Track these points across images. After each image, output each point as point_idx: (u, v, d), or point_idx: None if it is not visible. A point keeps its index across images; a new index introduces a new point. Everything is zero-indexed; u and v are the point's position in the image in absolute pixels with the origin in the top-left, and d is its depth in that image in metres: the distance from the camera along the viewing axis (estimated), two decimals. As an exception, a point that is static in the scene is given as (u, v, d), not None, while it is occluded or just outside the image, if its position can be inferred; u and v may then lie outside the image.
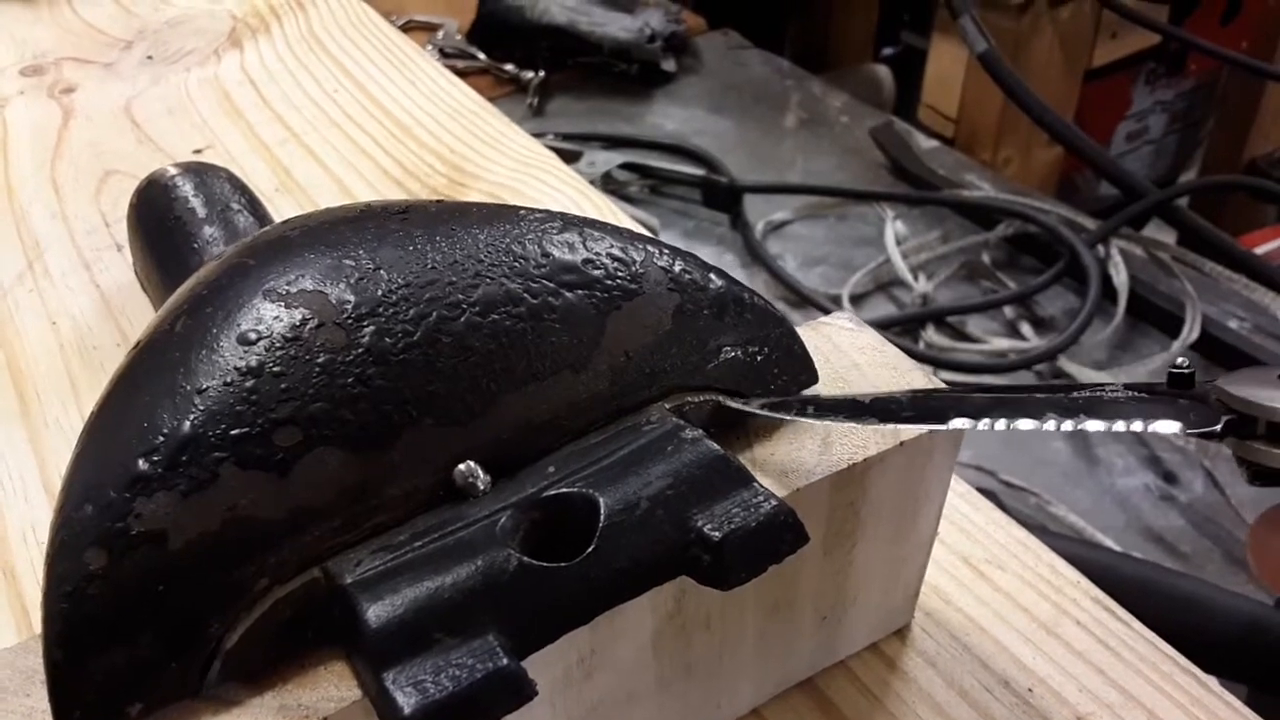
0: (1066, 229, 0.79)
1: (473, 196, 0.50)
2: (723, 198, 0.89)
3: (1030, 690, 0.28)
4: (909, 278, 0.79)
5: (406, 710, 0.17)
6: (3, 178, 0.53)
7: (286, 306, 0.21)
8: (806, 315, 0.80)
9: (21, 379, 0.40)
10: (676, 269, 0.24)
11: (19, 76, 0.62)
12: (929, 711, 0.27)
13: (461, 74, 0.95)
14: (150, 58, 0.63)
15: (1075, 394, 0.21)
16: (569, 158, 0.92)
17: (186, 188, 0.40)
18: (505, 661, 0.18)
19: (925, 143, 0.96)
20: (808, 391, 0.25)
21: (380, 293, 0.21)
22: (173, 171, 0.41)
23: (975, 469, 0.61)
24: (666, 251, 0.24)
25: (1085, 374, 0.68)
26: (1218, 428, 0.19)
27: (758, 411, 0.23)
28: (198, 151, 0.53)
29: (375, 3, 0.71)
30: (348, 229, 0.23)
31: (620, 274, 0.23)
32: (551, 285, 0.23)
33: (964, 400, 0.22)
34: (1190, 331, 0.72)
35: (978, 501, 0.33)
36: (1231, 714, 0.27)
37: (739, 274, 0.85)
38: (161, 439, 0.19)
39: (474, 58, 1.10)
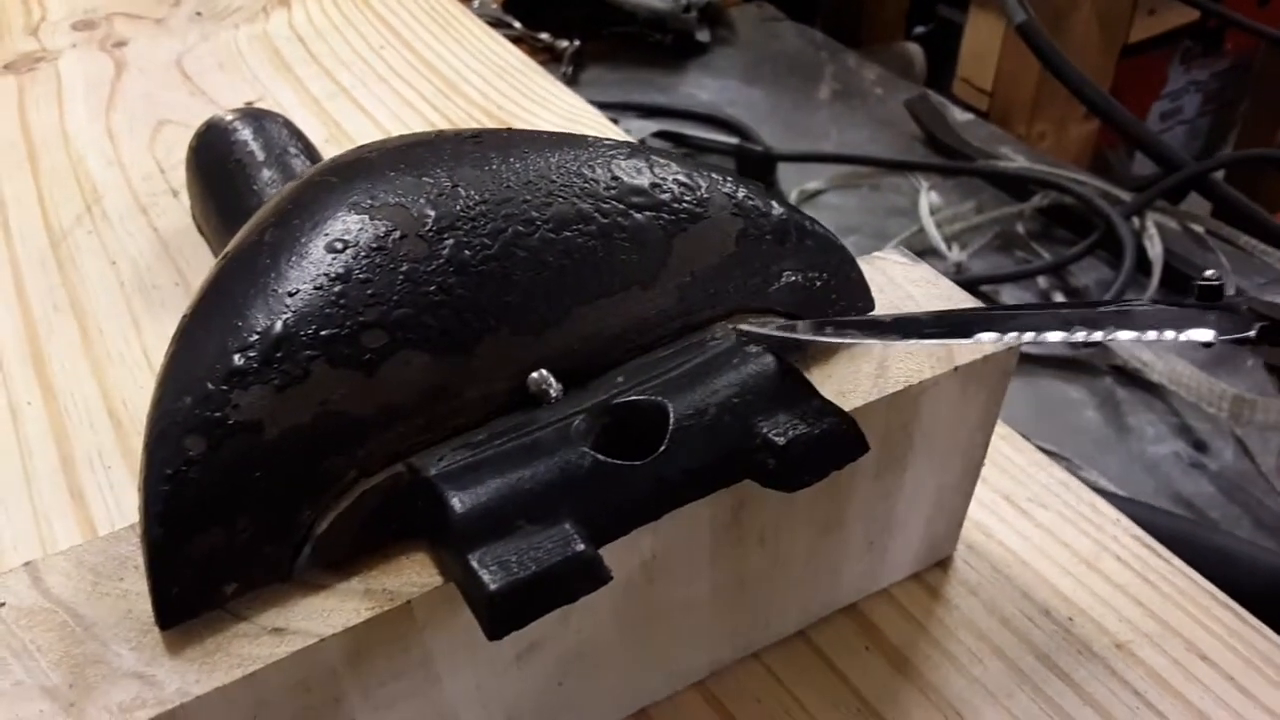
0: (1102, 200, 0.79)
1: (519, 150, 0.51)
2: (757, 167, 0.90)
3: (1071, 619, 0.29)
4: (943, 247, 0.79)
5: (492, 586, 0.18)
6: (58, 126, 0.54)
7: (371, 218, 0.22)
8: (838, 283, 0.80)
9: (84, 315, 0.41)
10: (740, 195, 0.25)
11: (71, 30, 0.64)
12: (971, 637, 0.28)
13: (497, 41, 0.95)
14: (199, 14, 0.64)
15: (1102, 308, 0.21)
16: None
17: (245, 132, 0.41)
18: (583, 547, 0.19)
19: (960, 115, 0.96)
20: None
21: (459, 208, 0.22)
22: (231, 116, 0.42)
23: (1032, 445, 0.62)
24: (730, 179, 0.25)
25: (1118, 344, 0.68)
26: (1251, 333, 0.19)
27: (773, 334, 0.23)
28: (249, 104, 0.54)
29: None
30: (425, 150, 0.24)
31: (686, 198, 0.24)
32: (621, 206, 0.23)
33: (988, 315, 0.22)
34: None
35: (1019, 444, 0.34)
36: (1269, 645, 0.28)
37: (772, 242, 0.86)
38: (256, 337, 0.20)
39: (509, 26, 1.11)
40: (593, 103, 1.03)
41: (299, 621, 0.19)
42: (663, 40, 1.09)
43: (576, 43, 1.07)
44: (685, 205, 0.24)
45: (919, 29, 1.52)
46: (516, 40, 1.10)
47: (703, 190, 0.24)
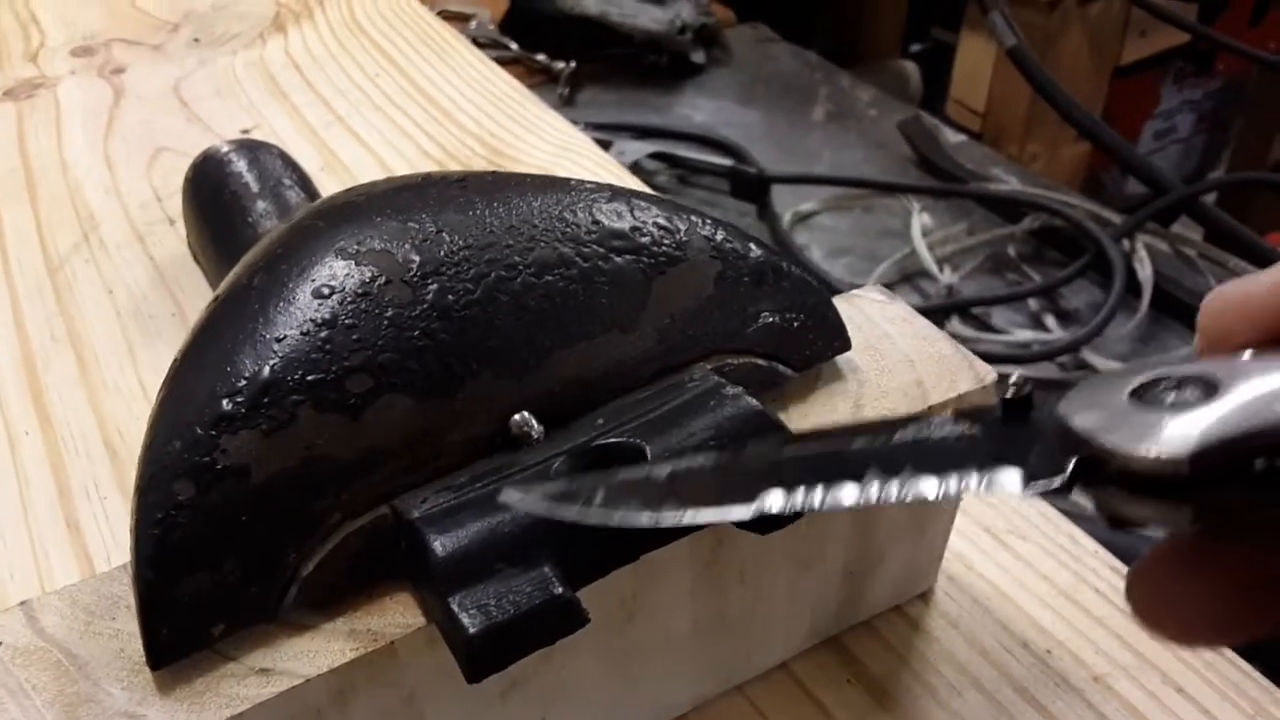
0: (1092, 223, 0.80)
1: (511, 178, 0.51)
2: (751, 188, 0.90)
3: (1049, 651, 0.29)
4: (934, 269, 0.80)
5: (472, 630, 0.18)
6: (56, 154, 0.54)
7: (357, 264, 0.22)
8: (831, 305, 0.81)
9: (80, 344, 0.42)
10: (719, 238, 0.25)
11: (70, 57, 0.64)
12: (951, 669, 0.29)
13: (494, 63, 0.96)
14: (197, 40, 0.65)
15: (899, 435, 0.18)
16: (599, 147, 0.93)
17: (240, 164, 0.42)
18: (561, 590, 0.19)
19: (953, 137, 0.97)
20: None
21: (443, 253, 0.23)
22: (226, 148, 0.43)
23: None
24: (709, 221, 0.26)
25: (1108, 366, 0.69)
26: (1061, 479, 0.15)
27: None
28: (245, 131, 0.55)
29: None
30: (411, 195, 0.25)
31: (666, 241, 0.25)
32: (601, 250, 0.24)
33: (777, 467, 0.19)
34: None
35: (1000, 475, 0.34)
36: (1242, 677, 0.28)
37: (765, 263, 0.86)
38: (244, 382, 0.21)
39: (506, 47, 1.12)
40: (589, 124, 1.04)
41: (285, 662, 0.20)
42: (658, 61, 1.09)
43: (573, 64, 1.08)
44: (664, 248, 0.25)
45: (915, 47, 1.53)
46: (513, 62, 1.11)
47: (682, 233, 0.25)
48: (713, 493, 0.19)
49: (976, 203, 0.87)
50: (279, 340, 0.21)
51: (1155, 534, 0.15)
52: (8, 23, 0.69)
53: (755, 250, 0.26)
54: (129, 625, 0.21)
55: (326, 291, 0.22)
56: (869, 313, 0.28)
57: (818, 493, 0.17)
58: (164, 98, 0.58)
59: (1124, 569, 0.31)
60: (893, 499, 0.16)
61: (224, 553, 0.20)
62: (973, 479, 0.16)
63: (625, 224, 0.25)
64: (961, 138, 0.98)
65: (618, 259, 0.24)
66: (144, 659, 0.20)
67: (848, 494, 0.17)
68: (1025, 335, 0.73)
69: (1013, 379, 0.18)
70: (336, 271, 0.22)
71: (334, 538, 0.21)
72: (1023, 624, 0.30)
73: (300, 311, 0.22)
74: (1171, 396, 0.15)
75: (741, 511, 0.17)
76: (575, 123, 0.98)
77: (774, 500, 0.17)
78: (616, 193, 0.26)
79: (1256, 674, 0.28)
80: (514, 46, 1.11)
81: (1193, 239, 0.83)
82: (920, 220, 0.84)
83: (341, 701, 0.20)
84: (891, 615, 0.30)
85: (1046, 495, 0.15)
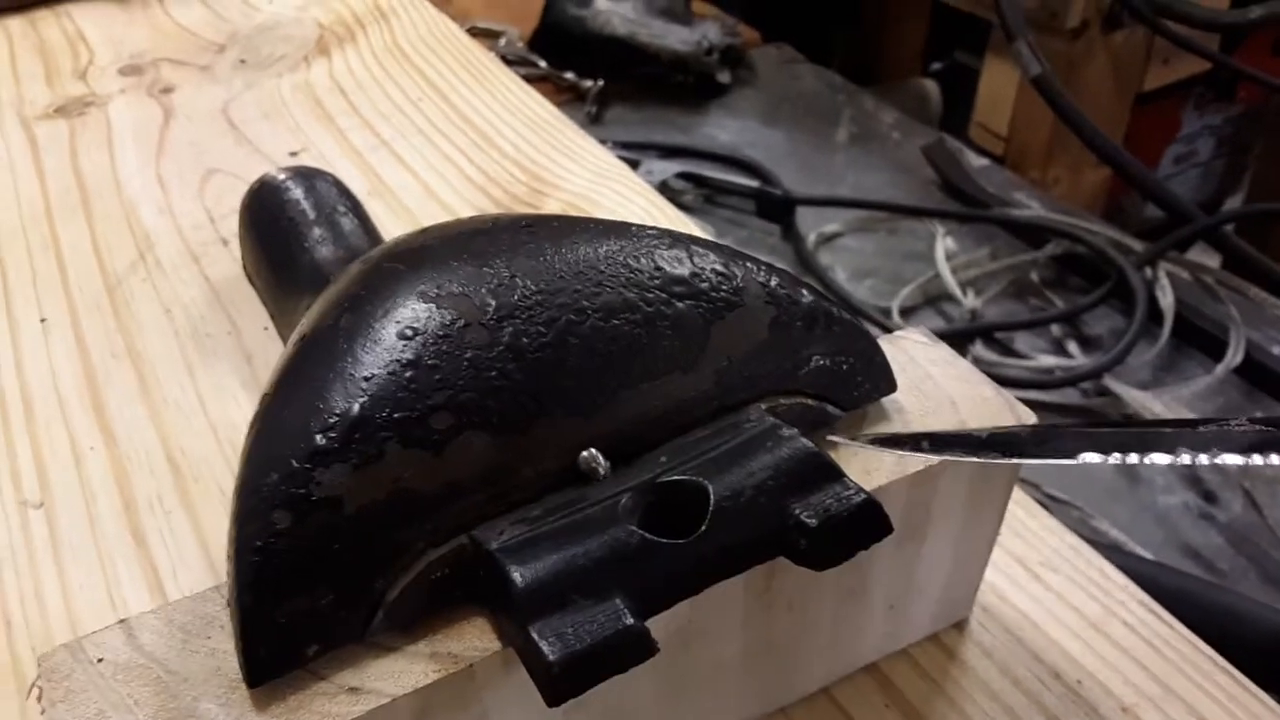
0: (1115, 250, 0.81)
1: (552, 204, 0.53)
2: (776, 209, 0.92)
3: (1079, 682, 0.30)
4: (958, 293, 0.81)
5: (552, 657, 0.20)
6: (110, 172, 0.56)
7: (438, 307, 0.24)
8: (855, 326, 0.82)
9: (140, 362, 0.43)
10: (773, 284, 0.27)
11: (119, 76, 0.66)
12: (984, 698, 0.30)
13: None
14: (243, 62, 0.67)
15: (1201, 428, 0.21)
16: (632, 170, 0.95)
17: (297, 191, 0.43)
18: (632, 621, 0.21)
19: (976, 161, 0.98)
20: (918, 428, 0.26)
21: (517, 298, 0.24)
22: (283, 175, 0.44)
23: (1020, 482, 0.63)
24: (763, 267, 0.27)
25: (1130, 394, 0.70)
26: None
27: (867, 447, 0.25)
28: (294, 154, 0.56)
29: (440, 9, 0.74)
30: (485, 240, 0.26)
31: (724, 287, 0.26)
32: (664, 296, 0.25)
33: (1091, 435, 0.22)
34: (1234, 355, 0.73)
35: (1033, 509, 0.36)
36: (1266, 711, 0.29)
37: (790, 284, 0.88)
38: (336, 418, 0.22)
39: (535, 65, 1.14)
40: (616, 142, 1.05)
41: (373, 682, 0.21)
42: (685, 81, 1.11)
43: (601, 83, 1.10)
44: (722, 294, 0.26)
45: (935, 65, 1.55)
46: (542, 79, 1.13)
47: (738, 279, 0.26)
48: (1031, 446, 0.22)
49: (1000, 227, 0.89)
50: (367, 379, 0.23)
51: None
52: (56, 39, 0.71)
53: (807, 296, 0.27)
54: (224, 644, 0.22)
55: (410, 333, 0.23)
56: (913, 354, 0.29)
57: (1133, 456, 0.20)
58: (213, 119, 0.60)
59: (1150, 603, 0.32)
60: (1203, 463, 0.19)
61: (318, 578, 0.21)
62: (1275, 457, 0.19)
63: (685, 270, 0.26)
64: (984, 161, 0.99)
65: (679, 304, 0.25)
66: (240, 676, 0.22)
67: (1159, 459, 0.20)
68: (1049, 361, 0.75)
69: None
70: (419, 314, 0.24)
71: (417, 565, 0.22)
72: (1054, 654, 0.31)
73: (387, 352, 0.23)
74: None
75: (1063, 461, 0.22)
76: (604, 141, 1.00)
77: (1090, 458, 0.21)
78: (676, 239, 0.27)
79: (1277, 706, 0.30)
80: (543, 64, 1.13)
81: (1212, 267, 0.84)
82: (944, 244, 0.86)
83: (422, 718, 0.22)
84: (928, 644, 0.31)
85: None
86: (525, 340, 0.24)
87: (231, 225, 0.49)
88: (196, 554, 0.35)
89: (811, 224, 0.91)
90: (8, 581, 0.35)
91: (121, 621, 0.23)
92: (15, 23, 0.73)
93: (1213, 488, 0.64)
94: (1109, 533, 0.60)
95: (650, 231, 0.27)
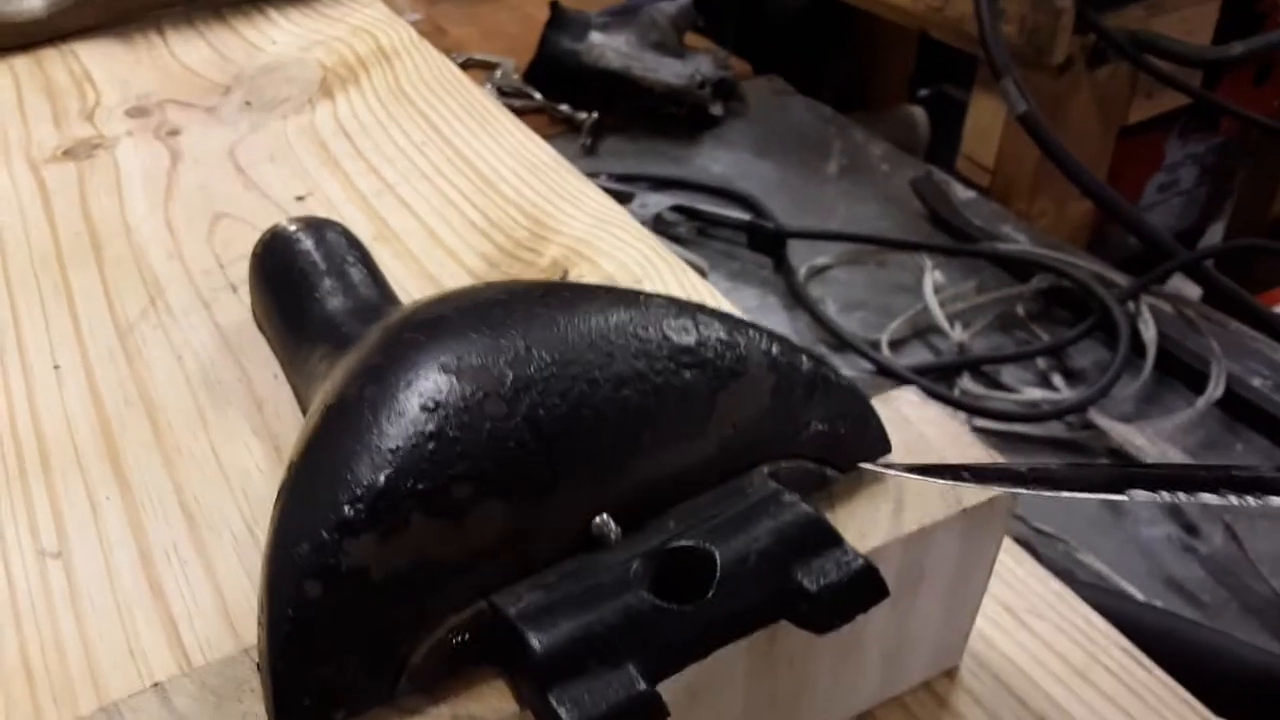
0: (1098, 285, 0.83)
1: (553, 249, 0.54)
2: (768, 242, 0.94)
3: (1065, 727, 0.32)
4: (946, 326, 0.83)
5: (570, 723, 0.21)
6: (119, 217, 0.57)
7: (458, 379, 0.25)
8: (846, 359, 0.84)
9: (154, 409, 0.44)
10: (774, 352, 0.28)
11: (125, 117, 0.68)
12: (975, 743, 0.31)
13: (518, 113, 1.00)
14: (249, 104, 0.68)
15: (1237, 474, 0.21)
16: (621, 199, 0.96)
17: (308, 242, 0.45)
18: (645, 687, 0.22)
19: (963, 193, 1.00)
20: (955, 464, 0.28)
21: (533, 370, 0.26)
22: (294, 227, 0.46)
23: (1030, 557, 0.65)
24: (765, 335, 0.29)
25: (1114, 427, 0.71)
26: None
27: (910, 476, 0.27)
28: (300, 199, 0.58)
29: (436, 42, 0.76)
30: (500, 311, 0.27)
31: (728, 356, 0.27)
32: (672, 365, 0.27)
33: (1133, 475, 0.23)
34: (1215, 388, 0.75)
35: (1020, 556, 0.37)
36: (1243, 755, 0.31)
37: (782, 316, 0.90)
38: (363, 490, 0.23)
39: (530, 97, 1.15)
40: (610, 175, 1.07)
41: (397, 743, 0.23)
42: (678, 113, 1.13)
43: (595, 115, 1.11)
44: (727, 363, 0.27)
45: (923, 92, 1.57)
46: (537, 111, 1.15)
47: (742, 348, 0.28)
48: (1077, 483, 0.23)
49: (987, 261, 0.90)
50: (393, 451, 0.24)
51: None
52: (63, 80, 0.72)
53: (806, 362, 0.29)
54: (254, 707, 0.24)
55: (432, 405, 0.25)
56: (906, 414, 0.31)
57: (1181, 495, 0.21)
58: (220, 162, 0.61)
59: (1132, 649, 0.34)
60: (1251, 505, 0.20)
61: (347, 645, 0.22)
62: None
63: (691, 340, 0.27)
64: (971, 194, 1.01)
65: (686, 374, 0.27)
66: (270, 739, 0.23)
67: (1209, 499, 0.21)
68: (1035, 394, 0.76)
69: None
70: (440, 386, 0.25)
71: (440, 629, 0.23)
72: (1040, 701, 0.32)
73: (410, 424, 0.24)
74: None
75: (1110, 495, 0.23)
76: (597, 173, 1.02)
77: (1140, 495, 0.22)
78: (682, 308, 0.28)
79: (1257, 753, 0.31)
80: (538, 96, 1.15)
81: (1193, 300, 0.86)
82: (932, 277, 0.87)
83: (444, 778, 0.23)
84: (921, 691, 0.32)
85: None
86: (541, 411, 0.25)
87: (240, 271, 0.50)
88: (212, 603, 0.36)
89: (803, 256, 0.93)
90: (28, 631, 0.36)
91: (155, 685, 0.24)
92: (21, 61, 0.74)
93: (1194, 520, 0.66)
94: (1094, 565, 0.61)
95: (657, 300, 0.28)
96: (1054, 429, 0.73)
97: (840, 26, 1.51)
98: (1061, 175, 0.92)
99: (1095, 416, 0.73)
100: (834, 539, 0.25)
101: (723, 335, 0.28)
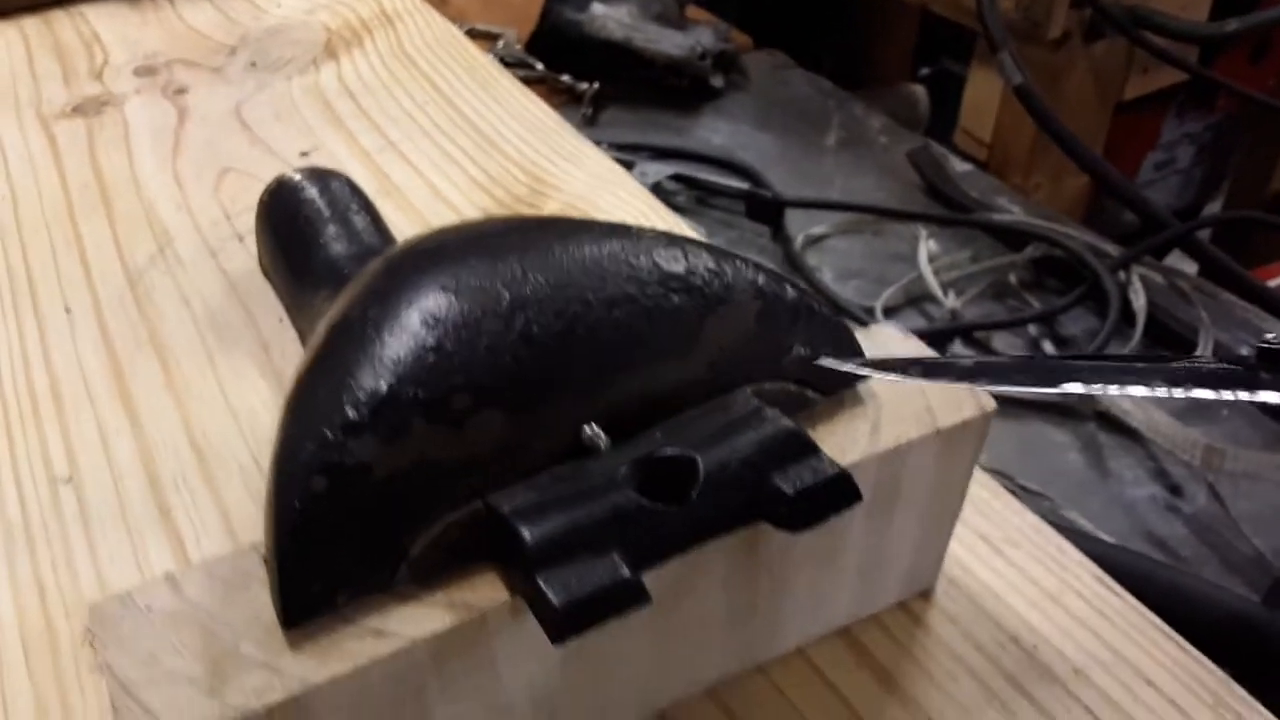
0: (1090, 255, 0.84)
1: (552, 205, 0.56)
2: (765, 211, 0.95)
3: (1035, 647, 0.33)
4: (939, 294, 0.84)
5: (557, 602, 0.23)
6: (128, 171, 0.59)
7: (457, 298, 0.27)
8: (841, 325, 0.85)
9: (164, 351, 0.46)
10: (760, 281, 0.29)
11: (133, 76, 0.69)
12: (948, 659, 0.33)
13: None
14: (254, 64, 0.69)
15: (1174, 365, 0.22)
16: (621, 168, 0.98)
17: (312, 191, 0.46)
18: (628, 574, 0.23)
19: (960, 166, 1.01)
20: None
21: (529, 291, 0.27)
22: (299, 176, 0.47)
23: (993, 473, 0.66)
24: (752, 265, 0.30)
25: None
26: None
27: (861, 371, 0.28)
28: (305, 154, 0.59)
29: (439, 11, 0.77)
30: (498, 239, 0.29)
31: (716, 283, 0.29)
32: (662, 290, 0.28)
33: (1073, 367, 0.23)
34: (1203, 355, 0.76)
35: (999, 492, 0.39)
36: (1205, 673, 0.32)
37: (778, 284, 0.91)
38: (366, 394, 0.25)
39: (532, 67, 1.16)
40: (611, 144, 1.08)
41: (396, 626, 0.24)
42: (679, 85, 1.14)
43: (596, 85, 1.12)
44: (715, 289, 0.29)
45: (924, 70, 1.58)
46: (539, 81, 1.15)
47: (729, 276, 0.29)
48: (1020, 376, 0.24)
49: (981, 231, 0.92)
50: (395, 361, 0.25)
51: None
52: (71, 39, 0.74)
53: (791, 291, 0.30)
54: (261, 595, 0.25)
55: (432, 321, 0.26)
56: (888, 346, 0.32)
57: (1113, 388, 0.22)
58: (226, 120, 0.63)
59: (1104, 577, 0.35)
60: (1178, 396, 0.21)
61: (350, 535, 0.24)
62: (1242, 392, 0.21)
63: (681, 267, 0.29)
64: (968, 167, 1.02)
65: (675, 298, 0.28)
66: (276, 623, 0.24)
67: (1137, 390, 0.21)
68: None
69: (1269, 336, 0.22)
70: (440, 304, 0.26)
71: (438, 525, 0.25)
72: (1013, 622, 0.34)
73: (411, 338, 0.26)
74: None
75: (1046, 391, 0.24)
76: (599, 142, 1.03)
77: (1073, 388, 0.22)
78: (672, 239, 0.30)
79: (1217, 670, 0.32)
80: (539, 67, 1.16)
81: (1184, 271, 0.87)
82: (927, 246, 0.88)
83: (439, 661, 0.25)
84: (897, 611, 0.34)
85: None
86: (536, 329, 0.26)
87: (247, 222, 0.51)
88: (219, 525, 0.38)
89: (800, 225, 0.94)
90: (40, 551, 0.37)
91: (168, 575, 0.25)
92: (31, 23, 0.76)
93: (1179, 481, 0.67)
94: (1078, 522, 0.63)
95: (649, 233, 0.30)
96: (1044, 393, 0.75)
97: (842, 4, 1.52)
98: (1057, 150, 0.93)
99: (1084, 381, 0.74)
100: (811, 449, 0.26)
101: (711, 264, 0.29)
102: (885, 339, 0.33)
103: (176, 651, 0.24)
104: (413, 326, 0.26)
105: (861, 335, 0.32)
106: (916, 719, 0.31)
